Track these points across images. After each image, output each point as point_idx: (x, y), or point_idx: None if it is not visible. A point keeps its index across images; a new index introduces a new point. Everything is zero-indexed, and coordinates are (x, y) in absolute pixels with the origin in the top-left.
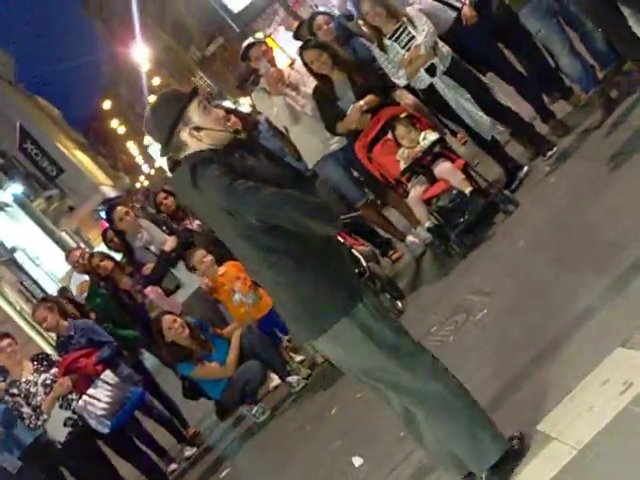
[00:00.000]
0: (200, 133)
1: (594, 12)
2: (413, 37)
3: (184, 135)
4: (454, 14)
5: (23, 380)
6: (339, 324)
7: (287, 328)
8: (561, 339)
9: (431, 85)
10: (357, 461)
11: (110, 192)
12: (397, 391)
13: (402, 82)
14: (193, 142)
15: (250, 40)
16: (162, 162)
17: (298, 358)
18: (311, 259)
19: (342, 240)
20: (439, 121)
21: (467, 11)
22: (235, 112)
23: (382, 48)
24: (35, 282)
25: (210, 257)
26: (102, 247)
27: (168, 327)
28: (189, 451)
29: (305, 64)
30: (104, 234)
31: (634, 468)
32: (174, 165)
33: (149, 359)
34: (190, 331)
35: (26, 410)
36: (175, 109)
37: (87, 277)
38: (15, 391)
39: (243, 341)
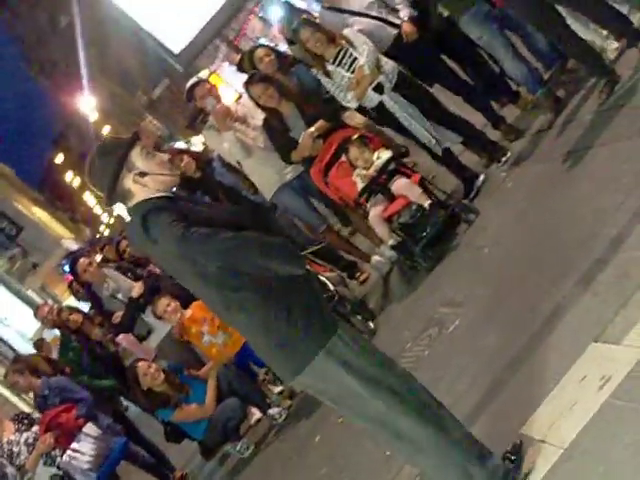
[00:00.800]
0: (145, 179)
1: (532, 14)
2: (355, 58)
3: (128, 182)
4: (394, 31)
5: (5, 441)
6: (316, 360)
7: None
8: (536, 341)
9: (381, 103)
10: None
11: (72, 245)
12: (378, 426)
13: (353, 105)
14: (138, 189)
15: (193, 80)
16: (121, 209)
17: (277, 389)
18: (279, 294)
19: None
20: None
21: (406, 27)
22: (187, 152)
23: (327, 74)
24: (6, 343)
25: (174, 304)
26: (70, 301)
27: (144, 374)
28: None
29: (252, 98)
30: (70, 286)
31: (621, 460)
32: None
33: (130, 406)
34: (166, 376)
35: (10, 470)
36: (117, 156)
37: (57, 332)
38: None
39: (220, 379)
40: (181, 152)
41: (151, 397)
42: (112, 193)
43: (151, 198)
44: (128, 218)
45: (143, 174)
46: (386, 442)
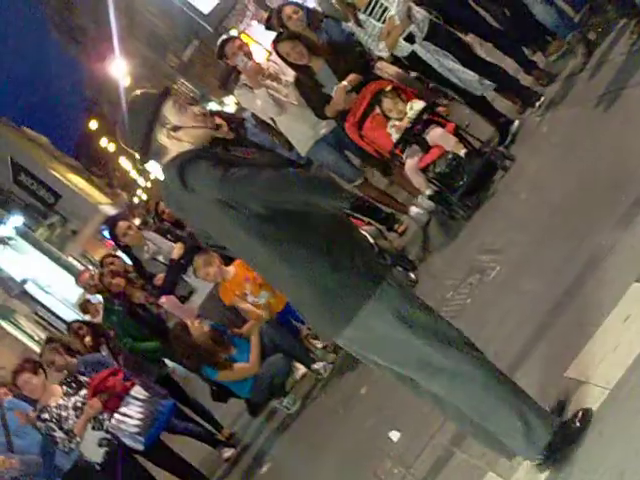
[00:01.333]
0: (179, 133)
1: None
2: (386, 8)
3: (162, 138)
4: None
5: (53, 405)
6: (364, 310)
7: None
8: (577, 284)
9: (413, 52)
10: (394, 435)
11: (110, 210)
12: (429, 374)
13: (384, 54)
14: (173, 144)
15: (224, 37)
16: (157, 172)
17: (320, 344)
18: (324, 244)
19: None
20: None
21: None
22: (219, 114)
23: (359, 24)
24: (50, 310)
25: (213, 268)
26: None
27: (190, 324)
28: (227, 452)
29: (281, 57)
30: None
31: None
32: None
33: (177, 368)
34: (211, 333)
35: (59, 434)
36: (149, 111)
37: (100, 298)
38: (46, 416)
39: (263, 337)
40: (212, 114)
41: (196, 354)
42: (147, 150)
43: (186, 151)
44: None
45: (177, 128)
46: (434, 387)
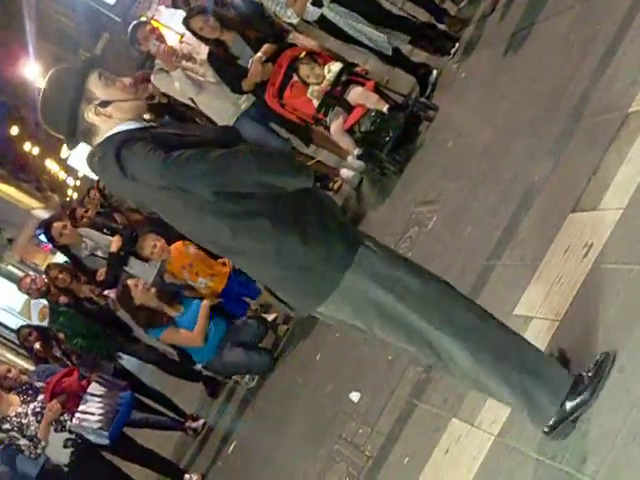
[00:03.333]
0: (108, 108)
1: None
2: None
3: (90, 115)
4: None
5: (13, 414)
6: (344, 280)
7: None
8: (514, 222)
9: (322, 15)
10: (355, 396)
11: (44, 214)
12: (421, 338)
13: (294, 21)
14: (102, 122)
15: (134, 23)
16: (85, 169)
17: (271, 317)
18: (290, 214)
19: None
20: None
21: None
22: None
23: None
24: None
25: (160, 242)
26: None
27: (134, 285)
28: (197, 422)
29: (194, 33)
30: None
31: (614, 322)
32: None
33: (129, 360)
34: (158, 293)
35: (23, 442)
36: (71, 88)
37: (44, 301)
38: (7, 426)
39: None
40: (144, 79)
41: (144, 313)
42: (73, 130)
43: (120, 132)
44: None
45: (105, 103)
46: (417, 353)
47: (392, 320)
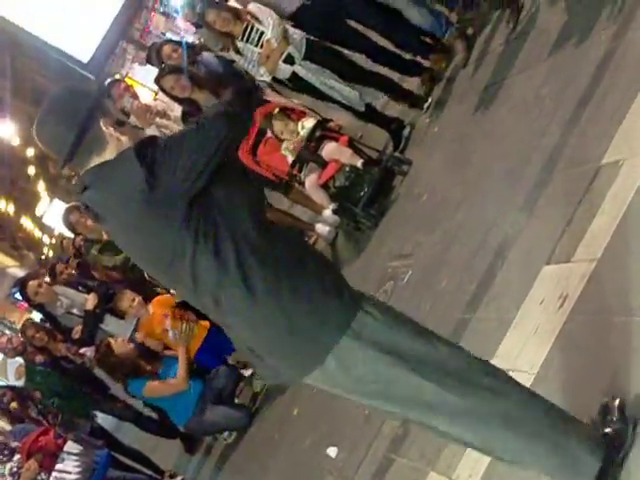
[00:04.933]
0: (123, 128)
1: None
2: (262, 33)
3: (108, 127)
4: None
5: None
6: (339, 346)
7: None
8: (489, 275)
9: (294, 73)
10: (332, 451)
11: (19, 272)
12: (429, 415)
13: (266, 79)
14: (111, 139)
15: (109, 80)
16: (60, 227)
17: (248, 372)
18: (287, 269)
19: None
20: None
21: None
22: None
23: (238, 52)
24: None
25: (138, 298)
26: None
27: (114, 341)
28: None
29: (165, 92)
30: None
31: (592, 372)
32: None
33: (105, 419)
34: (137, 349)
35: None
36: (87, 100)
37: (21, 360)
38: None
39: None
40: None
41: (123, 368)
42: (81, 136)
43: (142, 141)
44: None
45: (121, 123)
46: (435, 426)
47: (399, 390)
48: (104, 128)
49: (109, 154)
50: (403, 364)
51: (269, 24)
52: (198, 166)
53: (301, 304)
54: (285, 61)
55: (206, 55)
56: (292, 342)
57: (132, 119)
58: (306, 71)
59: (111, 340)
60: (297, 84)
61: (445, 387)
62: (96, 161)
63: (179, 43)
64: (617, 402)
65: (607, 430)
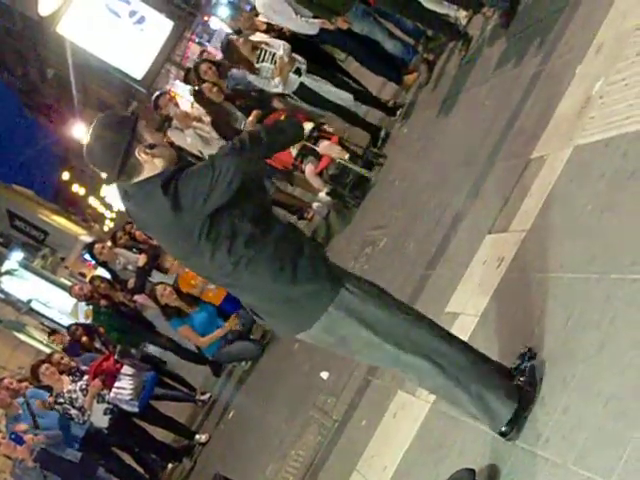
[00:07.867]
0: (154, 150)
1: (396, 5)
2: (274, 53)
3: (142, 155)
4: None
5: (65, 391)
6: (325, 315)
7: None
8: (445, 242)
9: (302, 83)
10: (325, 375)
11: (87, 238)
12: (391, 364)
13: (280, 89)
14: (146, 161)
15: (157, 93)
16: (119, 205)
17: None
18: (282, 250)
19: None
20: None
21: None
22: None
23: (254, 71)
24: (52, 320)
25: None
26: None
27: (160, 295)
28: (205, 395)
29: (202, 100)
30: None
31: (519, 317)
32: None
33: (153, 349)
34: (179, 295)
35: (74, 412)
36: (127, 129)
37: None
38: (61, 400)
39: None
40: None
41: (167, 309)
42: (123, 168)
43: (161, 173)
44: (129, 196)
45: (152, 146)
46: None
47: (369, 348)
48: (139, 157)
49: (145, 174)
50: (371, 330)
51: (279, 46)
52: (213, 198)
53: (297, 285)
54: (295, 72)
55: (235, 71)
56: (287, 310)
57: (174, 123)
58: (311, 80)
59: (160, 288)
60: (303, 93)
61: (401, 348)
62: (133, 179)
63: (212, 61)
64: (528, 351)
65: (519, 381)
